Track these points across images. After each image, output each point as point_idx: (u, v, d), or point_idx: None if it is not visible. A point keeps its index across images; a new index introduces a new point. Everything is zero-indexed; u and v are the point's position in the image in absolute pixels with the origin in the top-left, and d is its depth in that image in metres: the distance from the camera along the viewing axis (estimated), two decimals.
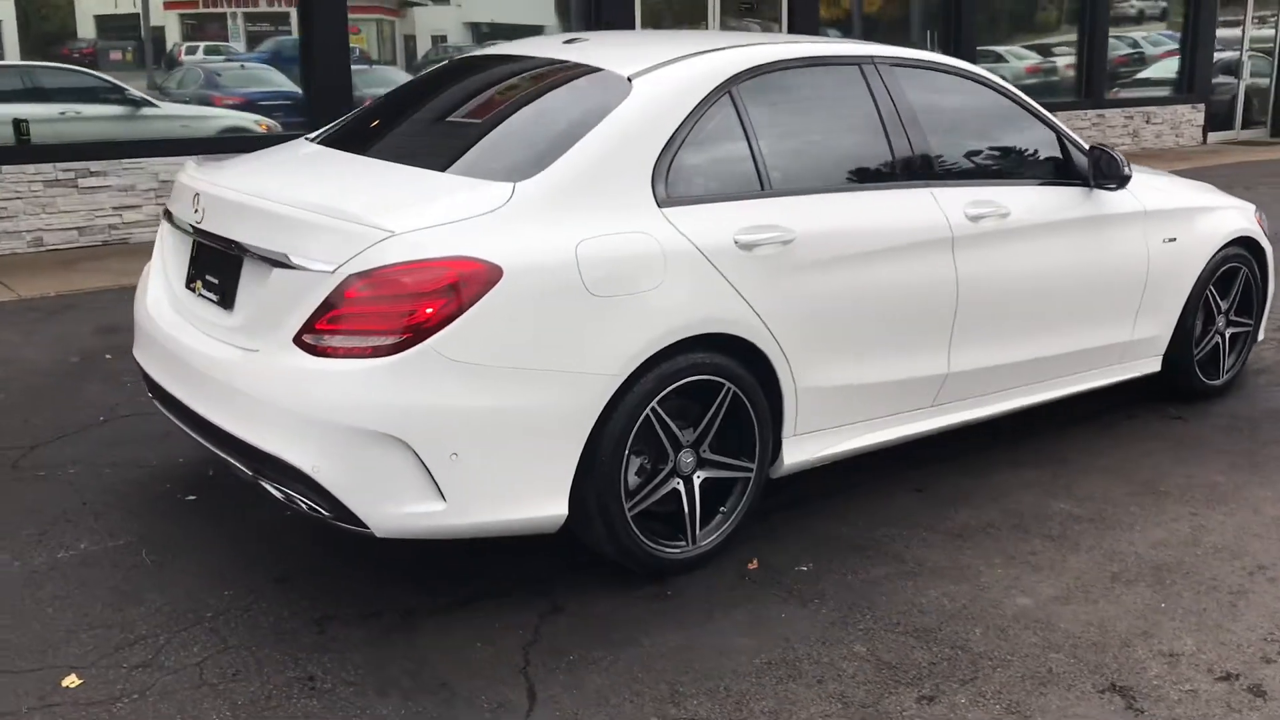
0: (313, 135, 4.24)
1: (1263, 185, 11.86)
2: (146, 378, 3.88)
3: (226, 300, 3.45)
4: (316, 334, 3.12)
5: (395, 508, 3.14)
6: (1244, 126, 17.86)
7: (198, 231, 3.58)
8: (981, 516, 4.08)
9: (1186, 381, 5.24)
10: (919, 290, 4.00)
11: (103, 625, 3.28)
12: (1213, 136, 16.86)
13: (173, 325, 3.65)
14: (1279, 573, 3.67)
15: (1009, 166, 4.50)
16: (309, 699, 2.97)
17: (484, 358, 3.11)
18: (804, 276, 3.69)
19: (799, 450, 3.84)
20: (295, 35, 9.48)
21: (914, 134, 4.11)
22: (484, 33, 10.65)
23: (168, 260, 3.83)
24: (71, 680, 3.02)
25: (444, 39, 10.54)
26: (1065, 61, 15.20)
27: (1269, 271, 5.48)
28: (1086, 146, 4.63)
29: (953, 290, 4.09)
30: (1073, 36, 15.41)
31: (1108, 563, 3.74)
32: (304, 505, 3.24)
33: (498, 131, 3.69)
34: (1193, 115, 16.39)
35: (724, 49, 3.84)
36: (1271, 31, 18.27)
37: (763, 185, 3.71)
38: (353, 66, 9.52)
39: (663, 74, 3.67)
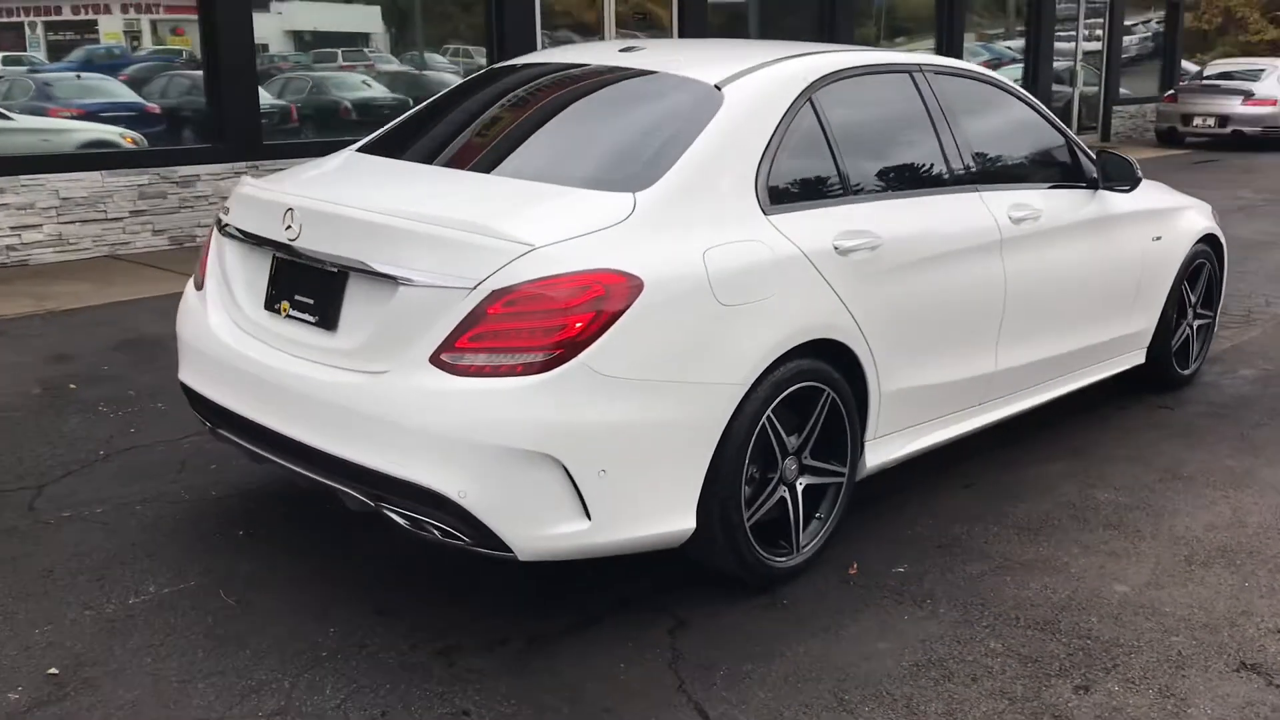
0: (360, 146, 4.04)
1: None
2: (204, 404, 3.63)
3: (328, 321, 3.26)
4: (456, 353, 2.99)
5: (541, 529, 3.03)
6: (1078, 132, 18.97)
7: (283, 248, 3.38)
8: (1037, 509, 4.20)
9: (1164, 372, 5.52)
10: (978, 291, 4.10)
11: (215, 673, 3.06)
12: None
13: (250, 348, 3.42)
14: None
15: (1032, 170, 4.66)
16: None
17: (630, 371, 3.04)
18: (889, 280, 3.73)
19: (878, 453, 3.88)
20: (105, 43, 8.93)
21: (960, 139, 4.22)
22: (306, 41, 10.32)
23: (233, 279, 3.59)
24: None
25: (266, 48, 10.19)
26: None
27: (1225, 267, 5.84)
28: (1092, 152, 4.84)
29: (1001, 290, 4.21)
30: (926, 44, 16.03)
31: (1175, 547, 3.90)
32: (436, 532, 3.09)
33: (595, 140, 3.61)
34: None
35: (797, 56, 3.86)
36: (1099, 45, 19.47)
37: (845, 191, 3.74)
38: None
39: (750, 81, 3.65)
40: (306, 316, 3.32)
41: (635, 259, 3.08)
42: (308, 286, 3.33)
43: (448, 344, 2.99)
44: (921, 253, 3.86)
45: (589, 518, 3.05)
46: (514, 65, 4.38)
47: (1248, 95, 18.19)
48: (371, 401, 3.07)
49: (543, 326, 2.95)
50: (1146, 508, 4.23)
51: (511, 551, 3.04)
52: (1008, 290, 4.24)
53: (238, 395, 3.45)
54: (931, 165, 4.11)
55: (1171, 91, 19.63)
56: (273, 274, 3.46)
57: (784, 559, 3.56)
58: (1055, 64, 18.36)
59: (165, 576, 3.55)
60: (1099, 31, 19.41)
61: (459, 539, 3.06)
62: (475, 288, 2.97)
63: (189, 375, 3.71)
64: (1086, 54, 19.15)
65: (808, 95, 3.73)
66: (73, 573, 3.56)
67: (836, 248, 3.56)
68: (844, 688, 3.05)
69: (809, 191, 3.65)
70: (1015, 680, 3.10)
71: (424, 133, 3.99)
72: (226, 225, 3.65)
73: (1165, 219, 5.25)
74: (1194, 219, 5.49)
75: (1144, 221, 5.07)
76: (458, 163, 3.69)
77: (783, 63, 3.79)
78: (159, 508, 4.04)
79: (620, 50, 4.11)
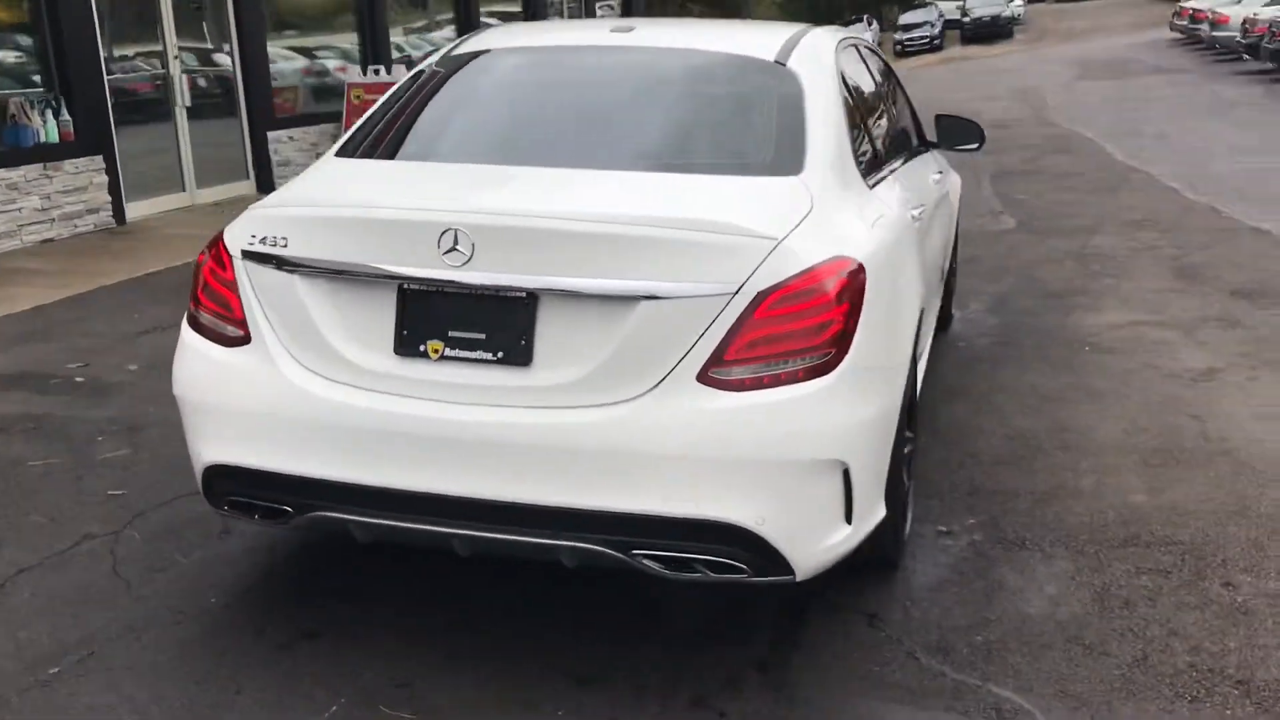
0: (345, 149, 3.38)
1: None
2: (280, 485, 2.89)
3: (517, 356, 2.73)
4: (725, 367, 2.66)
5: (819, 543, 2.83)
6: None
7: (417, 279, 2.76)
8: (993, 445, 4.54)
9: (947, 314, 6.14)
10: (939, 246, 4.35)
11: None
12: None
13: (382, 404, 2.78)
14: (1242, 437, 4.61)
15: (914, 135, 4.97)
16: None
17: (873, 360, 2.90)
18: (923, 244, 3.85)
19: None
20: None
21: (897, 109, 4.41)
22: None
23: (321, 323, 2.85)
24: None
25: None
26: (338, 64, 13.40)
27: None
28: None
29: (937, 243, 4.49)
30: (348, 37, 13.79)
31: (1125, 457, 4.40)
32: (705, 569, 2.74)
33: (708, 124, 3.35)
34: None
35: (807, 31, 3.81)
36: None
37: (883, 161, 3.79)
38: None
39: (801, 55, 3.57)
40: (480, 355, 2.76)
41: (847, 243, 2.93)
42: (474, 319, 2.76)
43: (715, 358, 2.66)
44: (928, 215, 4.02)
45: (849, 522, 2.88)
46: (505, 49, 3.80)
47: None
48: (625, 437, 2.65)
49: (814, 325, 2.72)
50: (1066, 430, 4.72)
51: (792, 574, 2.79)
52: (936, 243, 4.52)
53: (367, 463, 2.79)
54: (899, 133, 4.27)
55: None
56: (401, 310, 2.81)
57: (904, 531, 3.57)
58: None
59: (295, 711, 2.80)
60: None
61: (739, 571, 2.75)
62: (737, 292, 2.67)
63: (246, 453, 2.92)
64: None
65: (838, 68, 3.72)
66: None
67: (913, 216, 3.61)
68: (1071, 631, 3.17)
69: (874, 163, 3.65)
70: (1176, 590, 3.39)
71: (460, 131, 3.42)
72: (280, 258, 2.89)
73: (948, 177, 5.82)
74: (954, 177, 6.14)
75: (945, 179, 5.60)
76: (568, 161, 3.17)
77: (805, 36, 3.73)
78: (168, 636, 3.15)
79: (611, 30, 3.79)
